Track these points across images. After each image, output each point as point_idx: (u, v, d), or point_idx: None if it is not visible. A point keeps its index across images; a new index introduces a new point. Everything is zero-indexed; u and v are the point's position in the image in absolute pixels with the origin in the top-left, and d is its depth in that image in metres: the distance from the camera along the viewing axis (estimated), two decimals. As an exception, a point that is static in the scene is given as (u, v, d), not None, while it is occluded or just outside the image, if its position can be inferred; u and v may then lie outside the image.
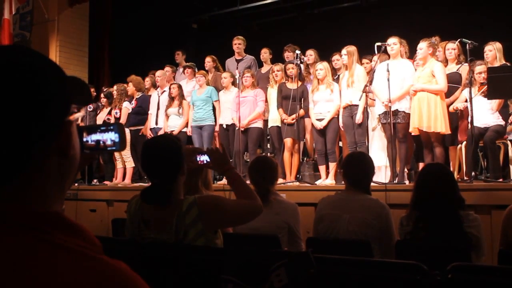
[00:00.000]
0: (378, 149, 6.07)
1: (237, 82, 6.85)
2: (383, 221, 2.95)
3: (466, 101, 5.51)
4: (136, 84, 7.76)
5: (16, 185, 0.71)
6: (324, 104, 6.22)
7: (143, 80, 7.96)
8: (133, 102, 7.68)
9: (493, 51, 5.61)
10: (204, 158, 2.58)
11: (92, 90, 8.19)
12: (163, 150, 2.32)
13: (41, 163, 0.73)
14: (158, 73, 7.76)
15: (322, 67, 6.25)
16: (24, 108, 0.69)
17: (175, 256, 2.12)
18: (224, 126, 7.03)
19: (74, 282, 0.63)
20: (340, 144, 6.63)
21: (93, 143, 0.97)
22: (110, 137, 0.99)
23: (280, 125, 6.56)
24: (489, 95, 5.17)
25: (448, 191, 2.82)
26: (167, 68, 8.00)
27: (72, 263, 0.65)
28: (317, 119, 6.23)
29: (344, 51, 6.17)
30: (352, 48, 6.17)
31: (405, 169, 5.81)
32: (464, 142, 5.58)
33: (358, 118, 5.93)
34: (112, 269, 0.67)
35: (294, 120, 6.31)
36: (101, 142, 0.98)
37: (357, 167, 3.16)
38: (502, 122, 5.47)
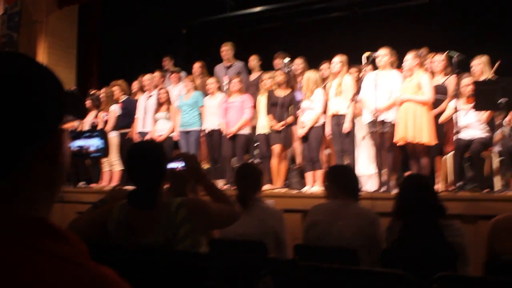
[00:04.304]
0: (366, 159, 6.09)
1: (225, 88, 6.82)
2: (377, 229, 2.99)
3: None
4: (121, 87, 7.73)
5: (3, 188, 0.69)
6: (307, 112, 6.23)
7: (131, 84, 7.93)
8: (119, 104, 7.63)
9: (480, 65, 5.68)
10: (177, 164, 2.54)
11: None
12: (149, 154, 2.36)
13: (29, 168, 0.71)
14: (146, 77, 7.72)
15: (308, 76, 6.27)
16: (16, 110, 0.68)
17: (162, 262, 2.11)
18: (207, 132, 6.94)
19: (61, 288, 0.62)
20: (328, 151, 6.61)
21: (76, 148, 0.96)
22: (94, 143, 0.98)
23: (268, 133, 6.55)
24: (476, 106, 5.23)
25: (427, 200, 2.88)
26: (156, 73, 7.95)
27: (58, 270, 0.64)
28: (301, 127, 6.25)
29: (338, 59, 6.17)
30: (345, 58, 6.18)
31: (392, 178, 5.83)
32: (450, 153, 5.62)
33: (346, 127, 5.94)
34: (99, 275, 0.66)
35: (283, 127, 6.31)
36: (83, 148, 0.97)
37: (346, 176, 3.24)
38: (489, 134, 5.51)
